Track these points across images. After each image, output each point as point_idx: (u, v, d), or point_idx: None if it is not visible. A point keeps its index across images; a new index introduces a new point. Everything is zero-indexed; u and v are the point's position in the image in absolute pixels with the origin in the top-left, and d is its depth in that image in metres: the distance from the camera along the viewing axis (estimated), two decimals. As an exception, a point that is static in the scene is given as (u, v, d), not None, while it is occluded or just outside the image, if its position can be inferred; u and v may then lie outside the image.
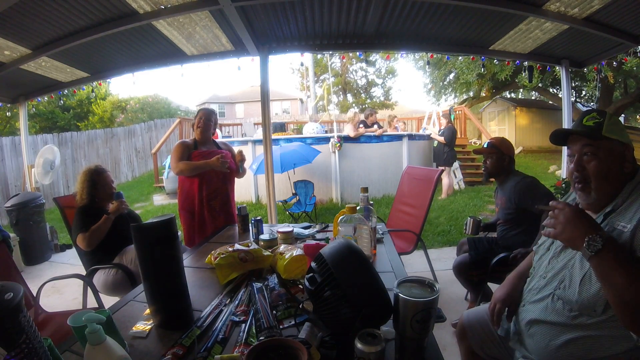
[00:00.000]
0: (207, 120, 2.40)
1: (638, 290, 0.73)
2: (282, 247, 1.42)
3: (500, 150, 2.07)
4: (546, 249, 1.09)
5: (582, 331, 0.88)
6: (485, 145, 2.14)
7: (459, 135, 8.31)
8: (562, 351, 0.92)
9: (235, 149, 2.54)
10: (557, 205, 0.88)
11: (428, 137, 6.84)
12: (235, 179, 2.54)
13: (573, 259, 0.94)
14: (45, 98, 5.38)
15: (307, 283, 0.84)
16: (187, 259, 1.56)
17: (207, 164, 2.26)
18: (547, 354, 0.95)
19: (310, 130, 6.70)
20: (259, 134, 6.33)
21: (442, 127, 5.98)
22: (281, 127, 7.73)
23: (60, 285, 2.95)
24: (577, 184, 0.98)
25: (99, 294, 1.88)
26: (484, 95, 12.81)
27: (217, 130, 7.92)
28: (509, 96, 14.64)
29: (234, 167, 2.42)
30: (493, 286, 2.14)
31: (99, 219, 1.92)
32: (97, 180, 2.02)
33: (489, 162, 2.11)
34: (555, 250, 1.03)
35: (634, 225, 0.83)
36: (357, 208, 1.30)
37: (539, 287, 1.03)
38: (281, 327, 0.96)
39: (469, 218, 2.17)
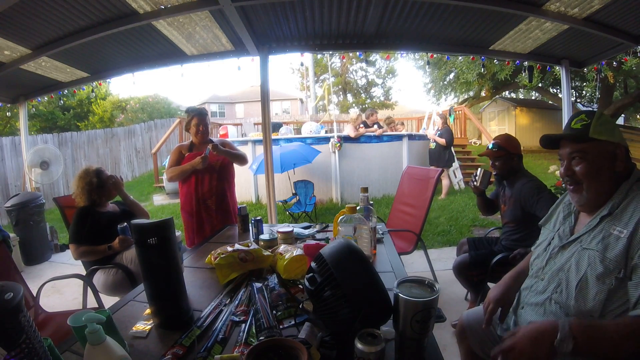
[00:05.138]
0: (204, 124, 2.30)
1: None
2: (282, 247, 1.42)
3: (507, 150, 1.97)
4: (543, 249, 1.07)
5: None
6: (490, 147, 2.01)
7: (459, 135, 8.32)
8: None
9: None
10: (505, 345, 0.77)
11: (428, 138, 6.82)
12: (235, 178, 2.51)
13: (569, 262, 0.93)
14: (45, 98, 5.38)
15: (307, 283, 0.84)
16: (187, 259, 1.56)
17: (191, 165, 2.22)
18: None
19: (309, 129, 6.72)
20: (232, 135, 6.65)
21: (440, 129, 5.93)
22: (277, 127, 7.69)
23: (60, 285, 2.95)
24: (569, 185, 0.98)
25: (99, 294, 1.88)
26: (484, 95, 12.83)
27: (231, 127, 7.89)
28: (509, 96, 14.65)
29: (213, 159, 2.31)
30: (493, 286, 2.14)
31: (97, 224, 1.96)
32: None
33: (497, 164, 1.99)
34: (552, 251, 1.02)
35: (631, 231, 0.82)
36: (357, 208, 1.30)
37: (536, 289, 1.02)
38: (281, 327, 0.96)
39: (479, 169, 2.06)
